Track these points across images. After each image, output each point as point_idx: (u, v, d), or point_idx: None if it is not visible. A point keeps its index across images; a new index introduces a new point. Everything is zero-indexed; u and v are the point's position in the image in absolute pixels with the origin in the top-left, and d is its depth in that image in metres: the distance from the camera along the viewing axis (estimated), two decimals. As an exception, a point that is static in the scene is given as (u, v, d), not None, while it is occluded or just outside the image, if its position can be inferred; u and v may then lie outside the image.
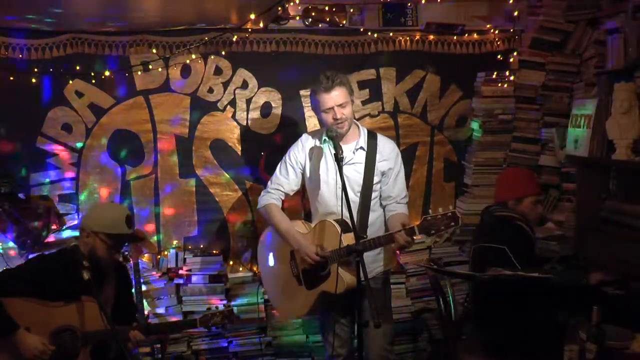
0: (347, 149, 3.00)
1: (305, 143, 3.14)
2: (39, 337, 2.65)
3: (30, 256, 3.49)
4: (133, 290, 3.41)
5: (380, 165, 3.02)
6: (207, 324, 2.93)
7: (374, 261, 3.06)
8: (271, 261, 3.26)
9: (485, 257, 3.08)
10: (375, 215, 3.06)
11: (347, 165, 2.98)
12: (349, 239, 2.81)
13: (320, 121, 3.11)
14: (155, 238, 4.00)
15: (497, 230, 3.17)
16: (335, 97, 2.89)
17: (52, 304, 2.72)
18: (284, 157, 3.18)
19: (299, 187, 3.21)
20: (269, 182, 3.20)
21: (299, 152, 3.13)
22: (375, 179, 3.01)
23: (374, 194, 3.03)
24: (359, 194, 3.00)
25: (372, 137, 3.06)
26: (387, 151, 3.05)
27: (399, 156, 3.10)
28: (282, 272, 3.17)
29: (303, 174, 3.15)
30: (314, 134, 3.16)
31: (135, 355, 3.43)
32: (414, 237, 2.73)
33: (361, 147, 3.02)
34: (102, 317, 2.56)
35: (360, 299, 2.72)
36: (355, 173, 3.01)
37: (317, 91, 2.92)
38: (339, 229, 2.85)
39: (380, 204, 3.09)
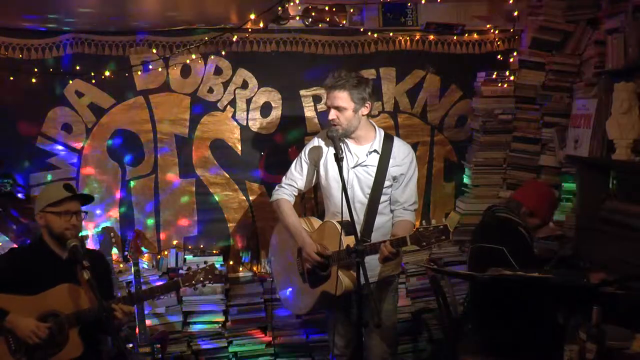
0: (361, 150, 3.00)
1: (320, 141, 3.13)
2: (30, 317, 2.66)
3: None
4: (131, 288, 3.41)
5: (392, 170, 2.99)
6: (190, 283, 2.92)
7: (374, 267, 3.03)
8: (281, 256, 3.30)
9: (484, 257, 3.08)
10: (384, 219, 3.04)
11: (359, 167, 3.00)
12: (350, 241, 2.79)
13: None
14: (155, 238, 4.00)
15: (496, 231, 3.17)
16: (332, 98, 2.90)
17: (30, 294, 2.71)
18: (300, 154, 3.18)
19: (313, 184, 3.21)
20: (283, 177, 3.19)
21: (313, 150, 3.12)
22: (387, 183, 2.99)
23: (383, 197, 3.01)
24: (367, 196, 3.00)
25: (388, 140, 3.04)
26: (401, 156, 3.02)
27: (413, 162, 3.06)
28: (290, 267, 3.20)
29: (317, 171, 3.14)
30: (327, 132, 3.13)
31: (135, 354, 3.43)
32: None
33: (375, 150, 3.00)
34: (91, 289, 2.57)
35: (361, 299, 2.72)
36: (366, 175, 3.00)
37: (324, 86, 2.96)
38: (340, 230, 2.84)
39: (390, 209, 3.08)
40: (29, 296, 2.70)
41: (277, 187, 3.19)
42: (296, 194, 3.18)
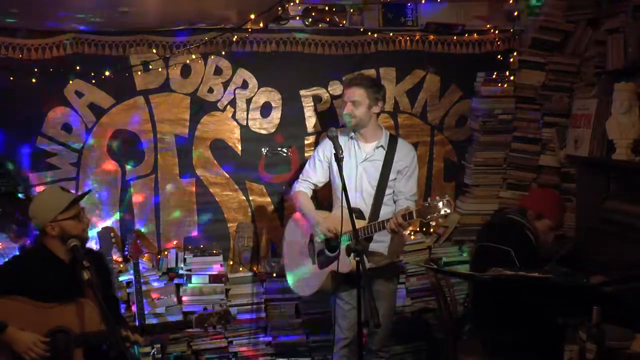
0: (368, 147, 3.29)
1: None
2: (31, 333, 2.63)
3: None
4: (131, 288, 3.41)
5: (397, 165, 3.25)
6: (202, 324, 2.93)
7: (383, 250, 3.25)
8: (294, 243, 3.51)
9: (488, 256, 3.08)
10: (388, 210, 3.25)
11: (367, 162, 3.27)
12: (359, 224, 2.97)
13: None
14: (155, 238, 4.00)
15: (504, 232, 3.18)
16: (349, 92, 3.21)
17: (44, 304, 2.70)
18: (314, 152, 3.47)
19: (327, 180, 3.43)
20: (300, 174, 3.49)
21: (327, 148, 3.35)
22: (391, 176, 3.24)
23: (388, 190, 3.25)
24: (374, 188, 3.23)
25: (393, 140, 3.32)
26: (405, 152, 3.29)
27: (415, 158, 3.33)
28: (302, 253, 3.43)
29: (330, 168, 3.38)
30: (341, 132, 3.34)
31: (136, 356, 3.43)
32: (409, 222, 2.91)
33: (381, 146, 3.27)
34: (101, 315, 2.55)
35: (362, 297, 2.74)
36: (373, 169, 3.26)
37: (343, 84, 3.33)
38: (349, 214, 2.89)
39: (393, 200, 3.28)
40: (42, 309, 2.68)
41: (295, 182, 3.51)
42: (312, 187, 3.45)
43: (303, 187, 3.42)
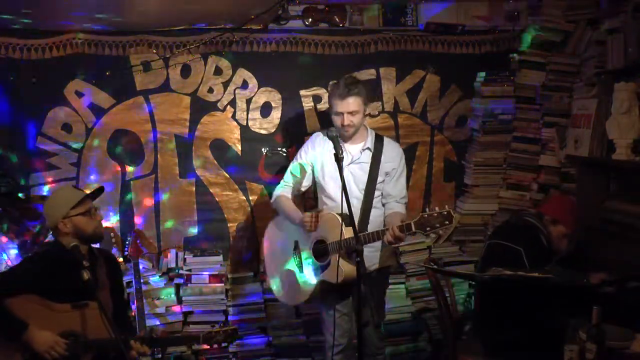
0: (355, 149, 3.19)
1: (316, 141, 3.28)
2: (50, 332, 2.63)
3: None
4: (131, 288, 3.43)
5: (384, 166, 3.16)
6: (209, 342, 2.94)
7: (373, 257, 3.16)
8: (276, 251, 3.40)
9: (498, 254, 3.08)
10: (377, 213, 3.18)
11: (353, 164, 3.16)
12: (350, 232, 2.88)
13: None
14: (155, 238, 4.00)
15: (517, 232, 3.17)
16: (347, 104, 3.07)
17: (57, 306, 2.69)
18: (296, 155, 3.36)
19: (310, 183, 3.34)
20: (282, 179, 3.38)
21: (309, 150, 3.29)
22: (379, 178, 3.15)
23: (376, 193, 3.16)
24: (362, 192, 3.15)
25: (379, 140, 3.23)
26: (393, 154, 3.20)
27: (402, 159, 3.24)
28: (286, 261, 3.30)
29: (313, 171, 3.28)
30: (325, 133, 3.24)
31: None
32: (407, 234, 2.81)
33: (368, 148, 3.18)
34: (104, 321, 2.55)
35: (360, 299, 2.73)
36: (360, 172, 3.16)
37: (333, 94, 3.11)
38: (340, 221, 2.91)
39: (382, 203, 3.19)
40: (54, 312, 2.68)
41: (276, 187, 3.38)
42: (294, 193, 3.34)
43: (285, 192, 3.32)
